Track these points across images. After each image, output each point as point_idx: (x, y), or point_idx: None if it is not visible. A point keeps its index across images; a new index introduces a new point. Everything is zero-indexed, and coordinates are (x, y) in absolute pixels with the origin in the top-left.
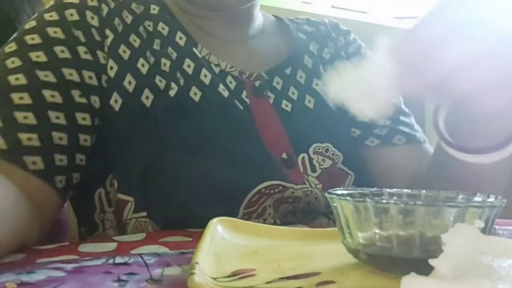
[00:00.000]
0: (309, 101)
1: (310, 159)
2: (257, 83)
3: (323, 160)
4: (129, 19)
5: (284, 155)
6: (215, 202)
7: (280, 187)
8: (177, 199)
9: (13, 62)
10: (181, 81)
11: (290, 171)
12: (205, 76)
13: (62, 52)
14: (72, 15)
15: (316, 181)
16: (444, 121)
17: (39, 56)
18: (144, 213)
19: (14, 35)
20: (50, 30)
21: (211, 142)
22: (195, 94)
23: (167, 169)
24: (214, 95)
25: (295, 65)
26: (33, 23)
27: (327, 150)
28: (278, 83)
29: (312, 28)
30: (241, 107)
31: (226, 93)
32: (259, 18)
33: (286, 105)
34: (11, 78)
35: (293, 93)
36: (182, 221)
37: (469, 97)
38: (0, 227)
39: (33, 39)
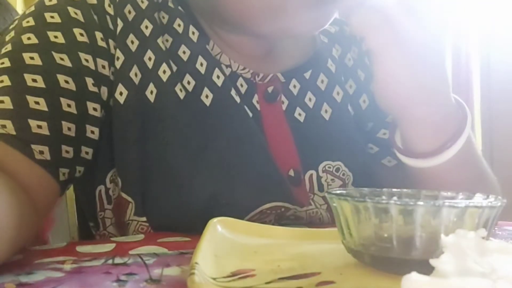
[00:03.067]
0: (326, 111)
1: (318, 177)
2: (270, 89)
3: (332, 180)
4: (144, 4)
5: (291, 172)
6: (214, 216)
7: (283, 209)
8: (175, 208)
9: (29, 39)
10: (191, 85)
11: (295, 189)
12: (218, 77)
13: (81, 35)
14: None
15: (322, 201)
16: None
17: (57, 37)
18: (144, 218)
19: (32, 9)
20: (71, 10)
21: (217, 152)
22: (207, 97)
23: (168, 175)
24: (226, 99)
25: (317, 68)
26: (54, 0)
27: (337, 170)
28: (295, 86)
29: (335, 27)
30: (251, 114)
31: (237, 99)
32: None
33: (300, 114)
34: (26, 56)
35: (309, 100)
36: (179, 231)
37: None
38: (5, 237)
39: (52, 17)
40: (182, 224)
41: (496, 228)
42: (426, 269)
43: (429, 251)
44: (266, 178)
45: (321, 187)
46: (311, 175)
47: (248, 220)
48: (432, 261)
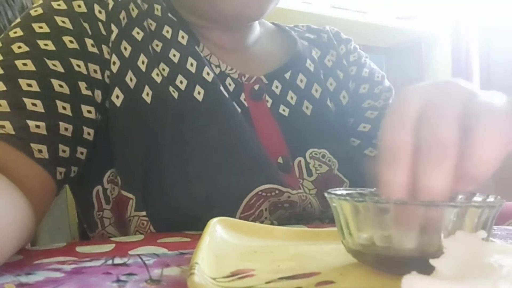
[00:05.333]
0: (307, 107)
1: (307, 163)
2: (256, 87)
3: (319, 165)
4: (134, 12)
5: (280, 159)
6: (212, 205)
7: (277, 191)
8: (175, 201)
9: (20, 47)
10: (184, 84)
11: (285, 176)
12: (208, 74)
13: (71, 42)
14: (79, 6)
15: (311, 185)
16: None
17: (47, 45)
18: (144, 213)
19: (18, 20)
20: (59, 19)
21: (211, 144)
22: (199, 93)
23: (167, 169)
24: (216, 94)
25: (296, 68)
26: (39, 10)
27: (323, 156)
28: (277, 87)
29: (313, 35)
30: (239, 110)
31: (226, 94)
32: (257, 27)
33: (284, 110)
34: (19, 63)
35: (291, 98)
36: (179, 224)
37: None
38: (7, 240)
39: (41, 27)
40: (183, 215)
41: (495, 228)
42: (426, 269)
43: (429, 251)
44: (258, 164)
45: (309, 172)
46: (300, 161)
47: (245, 206)
48: (432, 261)
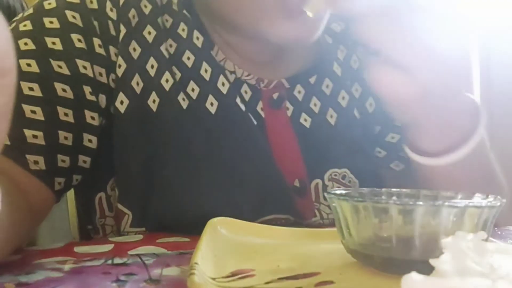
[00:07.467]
0: (331, 116)
1: (324, 186)
2: (275, 95)
3: (338, 187)
4: (147, 9)
5: (296, 183)
6: None
7: (283, 220)
8: (174, 221)
9: (26, 44)
10: (196, 92)
11: (300, 200)
12: (223, 84)
13: (79, 41)
14: (92, 2)
15: (328, 210)
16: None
17: (55, 43)
18: (143, 229)
19: (30, 11)
20: (69, 14)
21: (220, 162)
22: (212, 104)
23: (169, 187)
24: (231, 107)
25: (322, 72)
26: (53, 4)
27: (344, 177)
28: (299, 92)
29: (341, 25)
30: (255, 122)
31: (242, 106)
32: None
33: (305, 119)
34: (22, 63)
35: (315, 105)
36: None
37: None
38: (3, 238)
39: (51, 22)
40: (179, 231)
41: (495, 228)
42: (426, 269)
43: (429, 251)
44: (270, 189)
45: None
46: (317, 184)
47: None
48: (432, 261)
